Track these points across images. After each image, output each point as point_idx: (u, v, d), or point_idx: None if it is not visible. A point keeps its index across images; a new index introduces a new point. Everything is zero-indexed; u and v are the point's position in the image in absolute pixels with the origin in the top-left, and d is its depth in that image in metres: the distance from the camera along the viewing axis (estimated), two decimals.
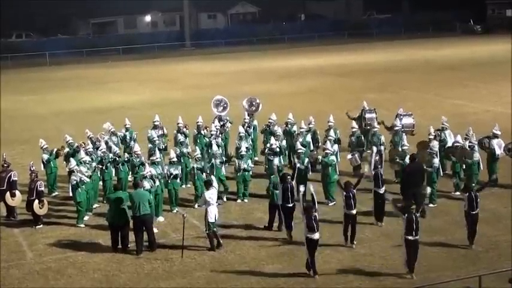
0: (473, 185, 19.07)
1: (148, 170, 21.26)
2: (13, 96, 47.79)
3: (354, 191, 18.88)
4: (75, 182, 21.21)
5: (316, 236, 17.03)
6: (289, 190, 19.52)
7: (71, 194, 21.79)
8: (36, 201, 21.23)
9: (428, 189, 20.38)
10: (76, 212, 21.56)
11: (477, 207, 18.39)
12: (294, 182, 19.88)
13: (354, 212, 18.78)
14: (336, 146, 24.09)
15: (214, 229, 18.97)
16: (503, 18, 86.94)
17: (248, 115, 28.09)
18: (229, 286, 16.93)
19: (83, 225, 21.21)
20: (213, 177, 20.38)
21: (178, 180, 22.45)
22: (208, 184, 19.41)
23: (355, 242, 18.82)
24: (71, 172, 21.76)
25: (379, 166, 21.00)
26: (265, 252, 18.79)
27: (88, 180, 21.63)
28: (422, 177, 21.37)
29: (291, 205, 19.54)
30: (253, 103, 28.91)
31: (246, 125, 27.14)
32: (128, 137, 26.60)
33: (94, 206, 22.59)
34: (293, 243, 19.05)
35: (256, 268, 17.79)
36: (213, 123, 27.00)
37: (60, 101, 46.08)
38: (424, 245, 18.13)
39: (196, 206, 22.23)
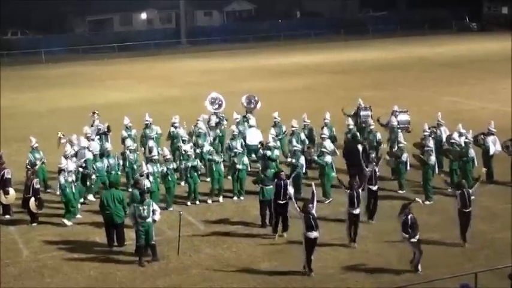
0: (464, 181, 19.05)
1: (146, 168, 21.24)
2: (9, 94, 47.66)
3: (360, 190, 18.80)
4: (63, 181, 21.12)
5: (313, 234, 17.01)
6: (282, 187, 19.48)
7: (58, 192, 21.63)
8: (33, 199, 21.19)
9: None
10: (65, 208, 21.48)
11: (470, 205, 18.40)
12: (289, 181, 19.93)
13: (358, 211, 18.70)
14: (331, 144, 24.02)
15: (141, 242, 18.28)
16: (498, 15, 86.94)
17: (246, 112, 28.05)
18: (225, 284, 16.92)
19: (69, 222, 21.10)
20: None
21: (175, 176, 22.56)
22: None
23: (356, 243, 18.71)
24: (60, 170, 21.44)
25: (374, 163, 20.99)
26: (261, 250, 18.80)
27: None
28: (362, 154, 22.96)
29: (282, 202, 19.52)
30: (252, 100, 28.86)
31: (240, 123, 27.13)
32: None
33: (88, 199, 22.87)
34: (289, 241, 19.07)
35: (252, 266, 17.80)
36: (209, 120, 27.01)
37: (57, 99, 46.03)
38: (420, 242, 18.15)
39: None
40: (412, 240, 16.91)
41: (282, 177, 19.64)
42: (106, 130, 26.59)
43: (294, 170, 22.42)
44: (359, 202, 18.70)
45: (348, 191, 18.69)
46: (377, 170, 20.78)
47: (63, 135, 25.39)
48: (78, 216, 21.69)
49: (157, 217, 18.30)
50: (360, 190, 18.83)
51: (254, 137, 25.56)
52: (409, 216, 17.00)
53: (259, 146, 24.16)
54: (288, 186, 19.59)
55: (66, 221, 21.12)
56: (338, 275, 17.06)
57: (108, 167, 23.23)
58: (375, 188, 20.44)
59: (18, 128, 35.49)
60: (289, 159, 23.42)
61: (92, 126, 26.61)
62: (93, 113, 27.78)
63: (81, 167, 22.87)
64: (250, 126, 26.72)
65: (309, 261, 17.05)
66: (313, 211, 17.15)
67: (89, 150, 23.73)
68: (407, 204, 17.39)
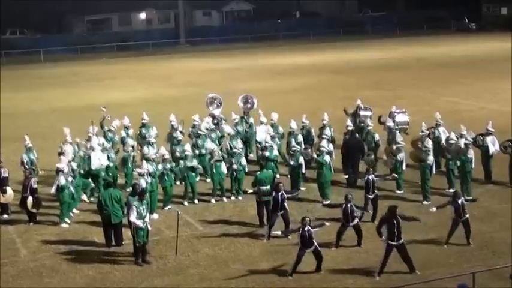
0: (459, 191, 19.01)
1: (146, 167, 21.22)
2: (7, 94, 47.64)
3: (354, 207, 18.55)
4: (63, 183, 21.02)
5: (306, 250, 16.96)
6: (279, 201, 19.27)
7: (52, 191, 21.46)
8: (30, 198, 21.16)
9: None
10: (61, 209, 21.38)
11: (465, 214, 18.34)
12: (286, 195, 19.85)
13: (353, 223, 18.48)
14: (330, 145, 23.98)
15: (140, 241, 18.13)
16: (498, 16, 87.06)
17: (244, 113, 28.04)
18: (223, 283, 16.91)
19: (66, 225, 21.07)
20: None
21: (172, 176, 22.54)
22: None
23: (361, 245, 18.71)
24: (59, 171, 21.30)
25: (371, 170, 20.92)
26: (260, 250, 18.78)
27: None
28: (361, 151, 24.00)
29: (279, 213, 19.43)
30: (249, 100, 28.83)
31: (238, 123, 27.11)
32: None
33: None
34: (287, 241, 19.03)
35: (251, 265, 17.78)
36: (207, 120, 26.96)
37: (55, 98, 46.02)
38: (417, 242, 18.19)
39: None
40: (393, 243, 16.82)
41: (280, 190, 19.39)
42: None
43: (293, 170, 22.40)
44: (353, 217, 18.40)
45: (343, 206, 18.46)
46: (374, 179, 20.67)
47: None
48: (75, 211, 21.72)
49: (148, 218, 18.21)
50: (354, 206, 18.52)
51: (264, 133, 25.45)
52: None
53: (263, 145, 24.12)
54: (284, 200, 19.40)
55: (64, 221, 21.11)
56: (336, 275, 17.04)
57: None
58: (371, 196, 20.38)
59: (17, 128, 35.42)
60: (288, 160, 23.38)
61: (101, 125, 26.49)
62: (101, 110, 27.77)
63: (87, 170, 22.88)
64: (261, 123, 26.72)
65: (296, 263, 16.96)
66: (308, 227, 16.91)
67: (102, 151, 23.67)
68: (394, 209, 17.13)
